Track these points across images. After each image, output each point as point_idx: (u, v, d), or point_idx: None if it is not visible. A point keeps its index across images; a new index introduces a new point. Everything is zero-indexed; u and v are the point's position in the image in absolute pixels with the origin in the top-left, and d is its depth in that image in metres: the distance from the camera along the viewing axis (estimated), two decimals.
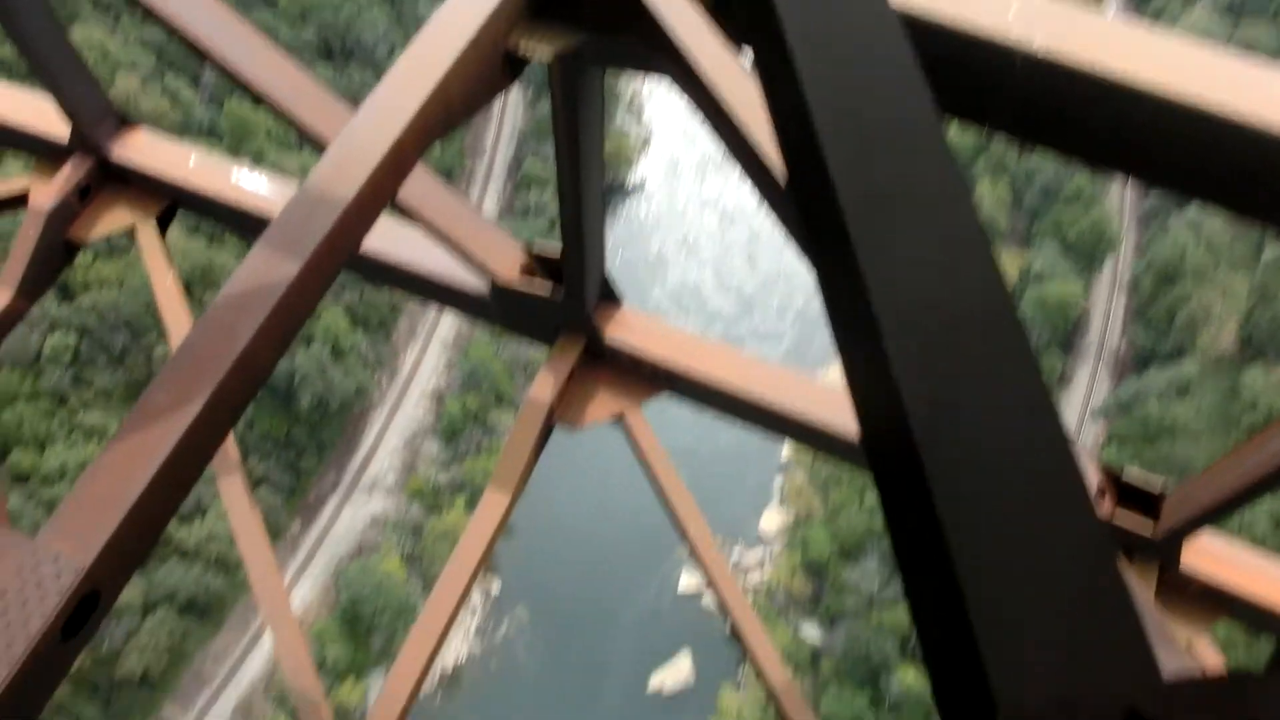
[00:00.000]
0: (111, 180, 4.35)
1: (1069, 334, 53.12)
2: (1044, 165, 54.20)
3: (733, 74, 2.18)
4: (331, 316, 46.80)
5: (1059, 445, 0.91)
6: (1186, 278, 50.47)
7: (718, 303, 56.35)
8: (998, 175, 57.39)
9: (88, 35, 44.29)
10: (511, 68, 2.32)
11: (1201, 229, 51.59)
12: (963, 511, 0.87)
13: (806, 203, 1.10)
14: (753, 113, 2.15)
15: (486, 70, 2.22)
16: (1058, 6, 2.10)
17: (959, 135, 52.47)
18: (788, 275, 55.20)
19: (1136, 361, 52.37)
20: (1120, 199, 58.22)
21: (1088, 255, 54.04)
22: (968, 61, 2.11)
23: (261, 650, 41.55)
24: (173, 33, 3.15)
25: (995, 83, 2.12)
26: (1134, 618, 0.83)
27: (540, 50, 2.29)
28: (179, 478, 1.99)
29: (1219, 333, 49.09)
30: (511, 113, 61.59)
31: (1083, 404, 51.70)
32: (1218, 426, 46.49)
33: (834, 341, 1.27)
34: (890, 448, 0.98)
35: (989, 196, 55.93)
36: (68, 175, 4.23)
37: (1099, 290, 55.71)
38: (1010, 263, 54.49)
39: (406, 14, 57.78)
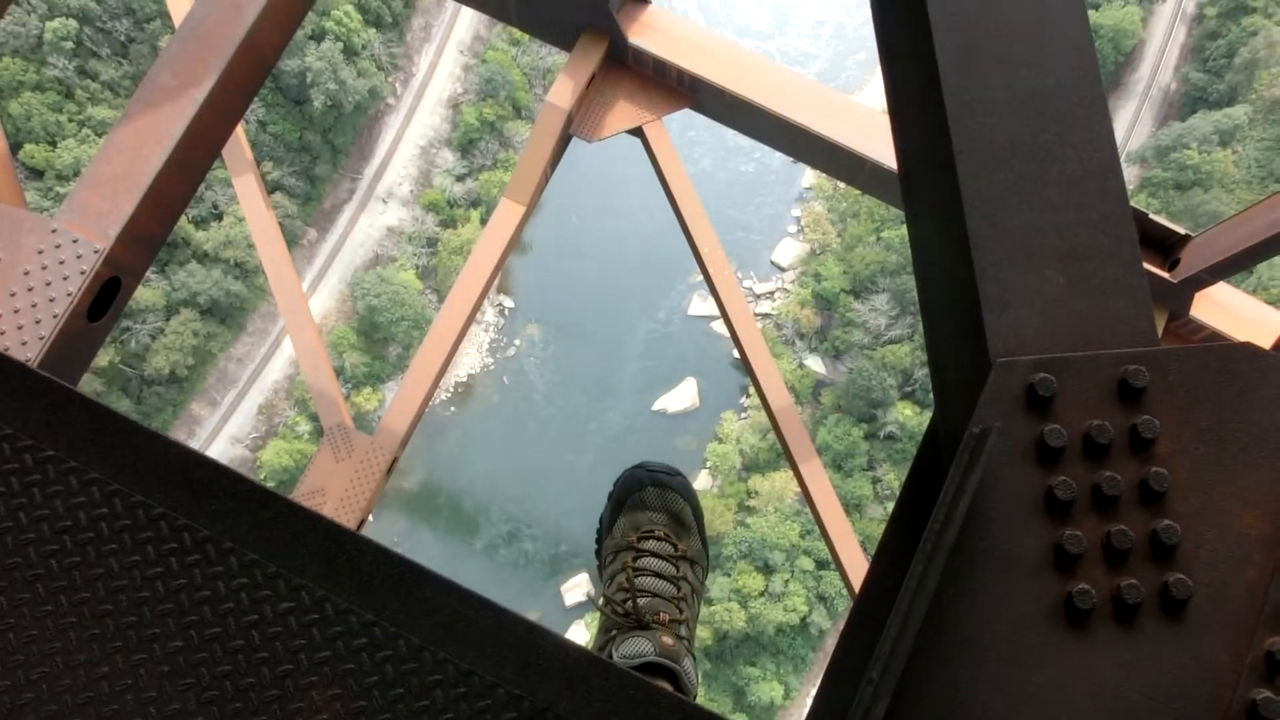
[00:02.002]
0: None
1: (1118, 69, 49.99)
2: None
3: None
4: (343, 11, 44.24)
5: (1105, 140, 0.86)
6: (1258, 10, 46.56)
7: (750, 15, 52.79)
8: None
9: None
10: None
11: None
12: (983, 186, 0.84)
13: None
14: None
15: None
16: None
17: None
18: None
19: (1185, 104, 49.67)
20: None
21: None
22: None
23: (282, 355, 43.59)
24: None
25: None
26: (1140, 289, 0.82)
27: None
28: (192, 161, 1.93)
29: (1279, 76, 46.12)
30: None
31: (1120, 146, 49.85)
32: (1255, 180, 45.04)
33: (880, 52, 1.15)
34: (928, 163, 0.93)
35: None
36: None
37: (1159, 21, 51.65)
38: None
39: None
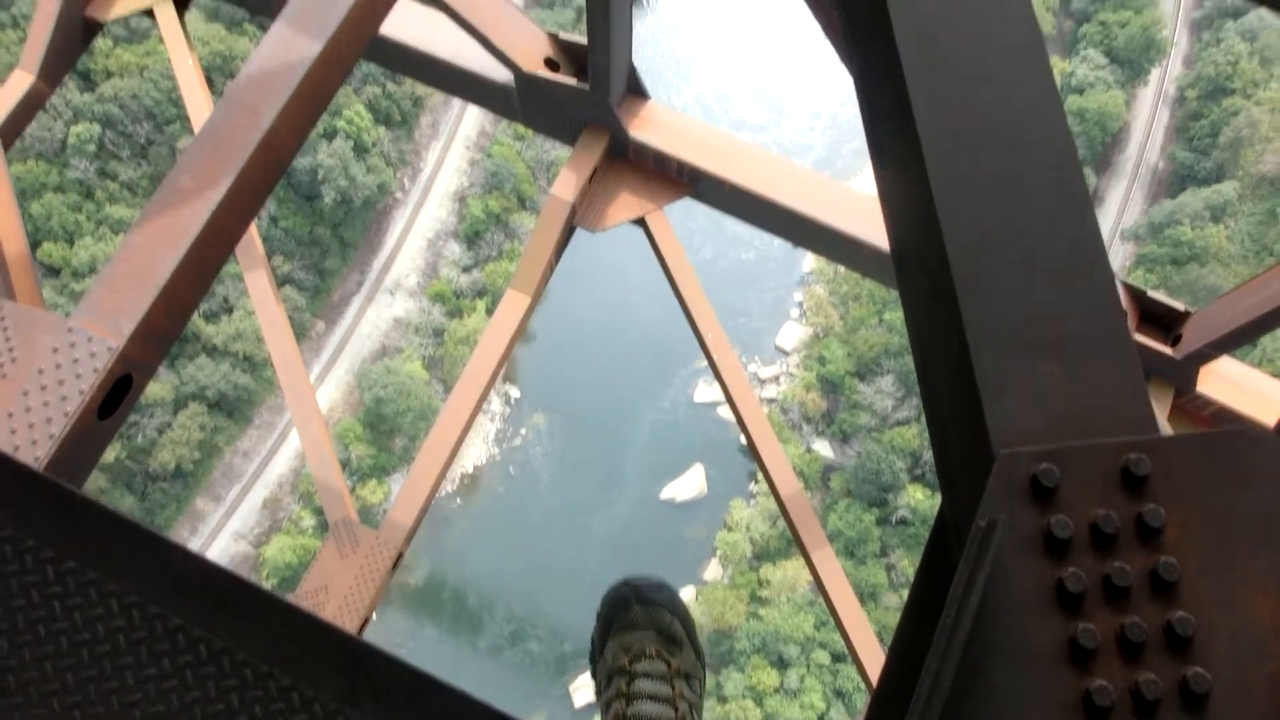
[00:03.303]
0: None
1: (1106, 149, 51.09)
2: None
3: None
4: (353, 111, 45.66)
5: (1092, 243, 0.89)
6: (1236, 92, 47.82)
7: (746, 109, 54.33)
8: None
9: None
10: None
11: (1257, 38, 48.40)
12: (979, 289, 0.85)
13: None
14: None
15: None
16: None
17: None
18: (819, 82, 52.83)
19: (1175, 182, 50.59)
20: (1175, 2, 54.24)
21: (1134, 64, 50.96)
22: None
23: (288, 448, 43.52)
24: None
25: None
26: (1134, 374, 0.83)
27: None
28: (207, 259, 1.97)
29: (1264, 153, 47.07)
30: None
31: (1114, 224, 50.55)
32: (1251, 254, 45.52)
33: (869, 145, 1.19)
34: (920, 252, 0.95)
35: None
36: None
37: (1142, 104, 53.01)
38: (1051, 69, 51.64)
39: None
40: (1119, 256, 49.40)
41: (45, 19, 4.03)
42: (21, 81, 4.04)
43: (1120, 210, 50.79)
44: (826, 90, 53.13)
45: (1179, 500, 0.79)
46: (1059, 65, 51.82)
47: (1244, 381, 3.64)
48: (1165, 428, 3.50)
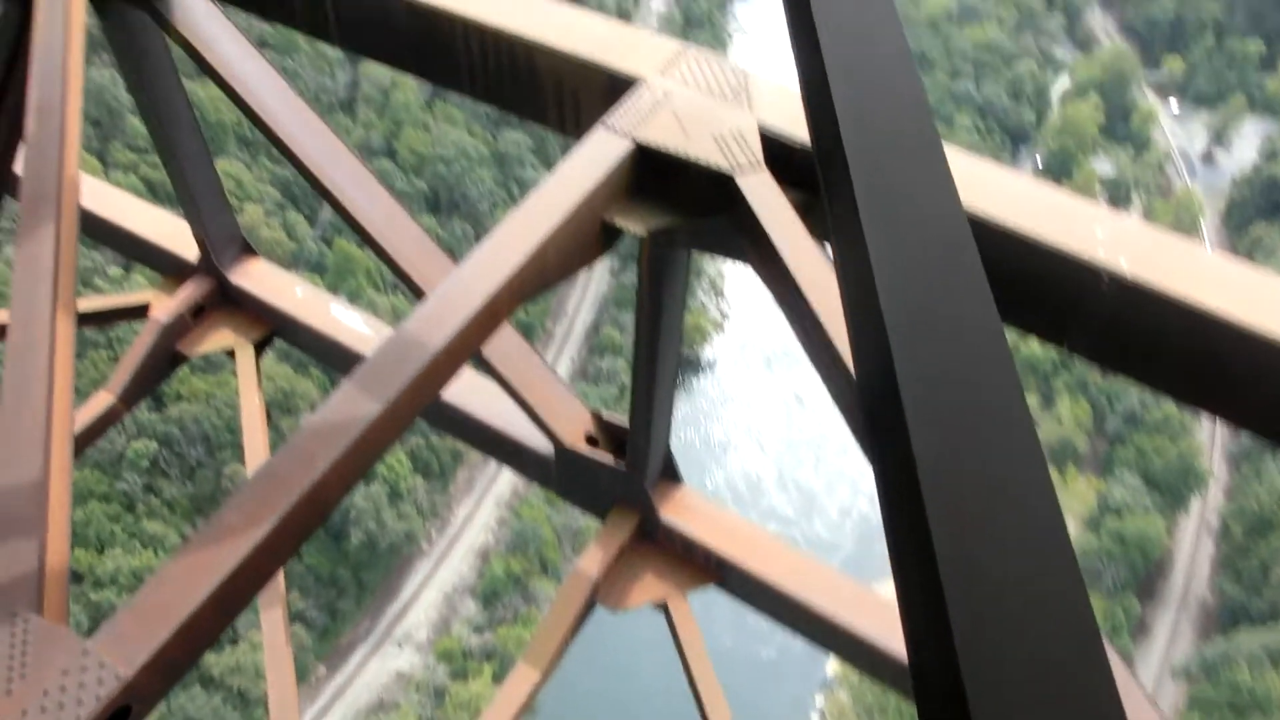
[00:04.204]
0: (224, 302, 4.61)
1: (1148, 576, 50.06)
2: (1128, 389, 53.00)
3: (816, 269, 2.24)
4: (395, 459, 47.50)
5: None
6: None
7: (776, 499, 55.40)
8: (1078, 394, 56.15)
9: (227, 167, 48.50)
10: (606, 239, 2.44)
11: None
12: None
13: (874, 410, 1.10)
14: (831, 310, 2.19)
15: (583, 239, 2.33)
16: (1150, 231, 2.10)
17: (1039, 350, 52.03)
18: (852, 478, 54.26)
19: (1225, 616, 48.68)
20: (1211, 433, 56.01)
21: (1173, 491, 51.51)
22: (1053, 278, 2.13)
23: None
24: (299, 170, 3.40)
25: (1079, 303, 2.12)
26: None
27: (636, 227, 2.41)
28: (235, 597, 1.97)
29: None
30: (596, 278, 64.00)
31: (1161, 660, 48.02)
32: None
33: (890, 559, 1.22)
34: (938, 689, 0.93)
35: (1067, 417, 54.55)
36: (188, 293, 4.49)
37: (1184, 531, 52.81)
38: (1086, 490, 52.35)
39: (511, 174, 61.50)
40: (1169, 695, 46.25)
41: (139, 349, 4.41)
42: (102, 401, 4.34)
43: (1168, 644, 48.60)
44: (858, 488, 54.39)
45: None
46: (1095, 485, 52.72)
47: None
48: None
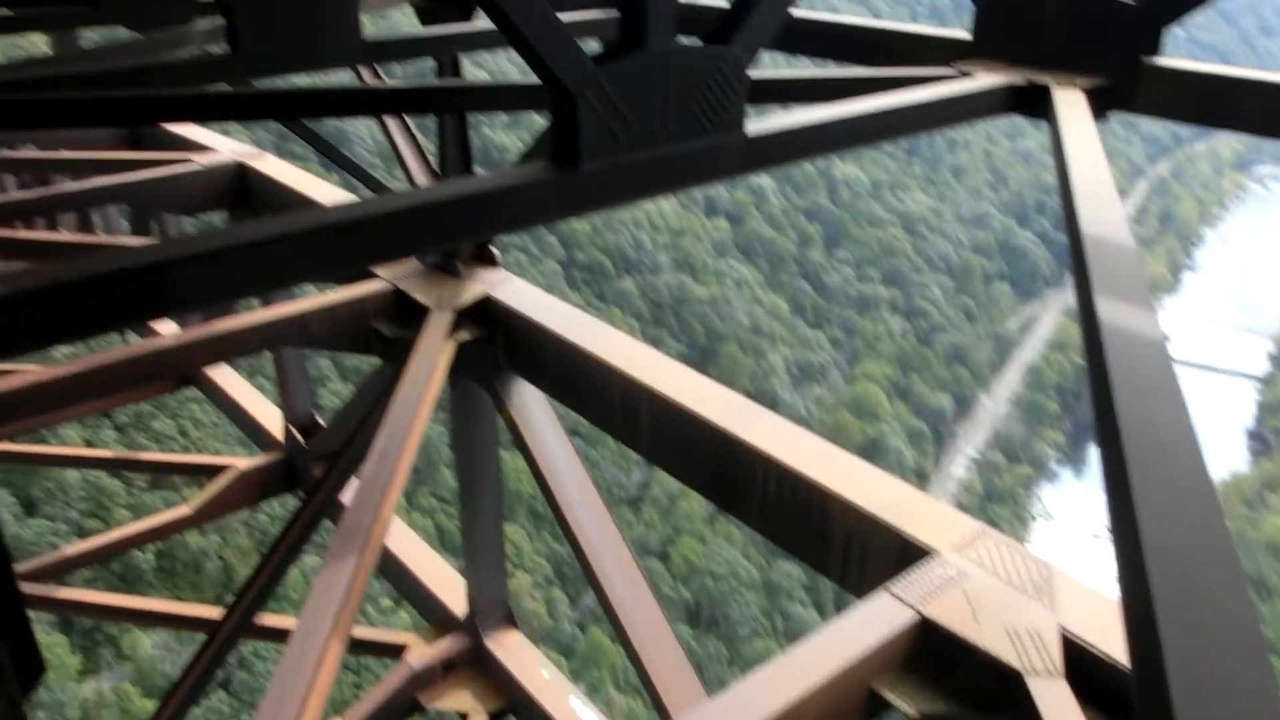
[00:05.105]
0: (474, 662, 4.71)
1: None
2: None
3: None
4: None
5: None
6: None
7: None
8: None
9: (512, 533, 52.19)
10: (871, 710, 2.23)
11: None
12: None
13: None
14: None
15: (845, 705, 2.15)
16: None
17: None
18: None
19: None
20: None
21: None
22: None
23: None
24: (575, 551, 3.57)
25: None
26: None
27: (905, 705, 2.19)
28: None
29: None
30: None
31: None
32: None
33: None
34: None
35: None
36: (446, 646, 4.63)
37: None
38: None
39: (778, 606, 59.64)
40: None
41: (385, 689, 4.44)
42: None
43: None
44: None
45: None
46: None
47: None
48: None
